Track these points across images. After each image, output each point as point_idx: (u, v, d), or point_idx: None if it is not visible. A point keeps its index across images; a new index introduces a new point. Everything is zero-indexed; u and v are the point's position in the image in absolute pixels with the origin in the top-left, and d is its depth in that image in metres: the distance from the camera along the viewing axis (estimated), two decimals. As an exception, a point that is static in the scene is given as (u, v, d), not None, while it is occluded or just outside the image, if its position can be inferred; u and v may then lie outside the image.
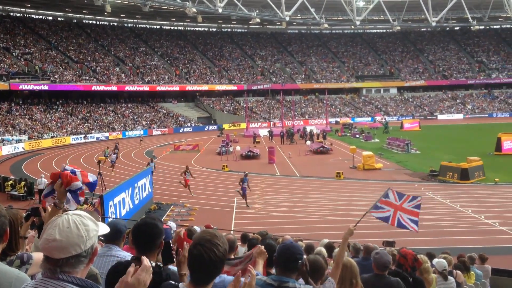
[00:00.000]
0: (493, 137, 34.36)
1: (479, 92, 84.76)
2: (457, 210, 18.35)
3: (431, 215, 17.64)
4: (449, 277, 6.90)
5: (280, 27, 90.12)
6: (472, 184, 23.48)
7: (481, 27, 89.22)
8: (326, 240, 8.74)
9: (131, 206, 16.70)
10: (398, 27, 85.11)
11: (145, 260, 2.09)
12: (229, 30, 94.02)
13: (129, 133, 59.17)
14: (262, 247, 3.73)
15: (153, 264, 2.52)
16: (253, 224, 16.64)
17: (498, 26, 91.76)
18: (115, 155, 30.71)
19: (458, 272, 7.78)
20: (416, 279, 5.42)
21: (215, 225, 14.74)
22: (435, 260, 7.48)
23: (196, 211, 19.20)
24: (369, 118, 73.62)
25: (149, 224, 2.83)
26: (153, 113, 68.68)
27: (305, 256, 3.42)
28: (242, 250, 7.11)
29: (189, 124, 68.28)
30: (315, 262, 3.80)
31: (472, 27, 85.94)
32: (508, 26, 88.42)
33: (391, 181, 24.71)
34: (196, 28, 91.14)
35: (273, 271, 3.48)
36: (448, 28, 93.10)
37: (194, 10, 64.62)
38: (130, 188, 16.78)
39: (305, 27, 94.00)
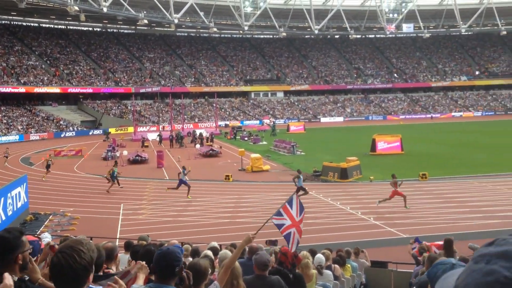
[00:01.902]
0: (369, 138, 37.11)
1: (356, 96, 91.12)
2: (337, 208, 19.48)
3: (314, 213, 18.53)
4: (327, 270, 7.29)
5: (169, 29, 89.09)
6: (351, 182, 25.12)
7: (358, 36, 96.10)
8: (214, 243, 8.77)
9: (3, 218, 15.34)
10: (284, 34, 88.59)
11: (7, 278, 1.92)
12: (115, 30, 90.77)
13: (3, 139, 54.32)
14: (143, 263, 3.63)
15: (16, 278, 2.35)
16: (140, 231, 16.16)
17: (373, 36, 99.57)
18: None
19: (336, 266, 8.25)
20: (296, 275, 5.64)
21: (98, 233, 14.10)
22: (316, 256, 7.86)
23: (78, 220, 18.20)
24: (258, 121, 75.56)
25: (2, 237, 2.61)
26: (30, 117, 63.90)
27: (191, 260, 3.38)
28: (125, 258, 6.87)
29: (71, 129, 64.60)
30: (195, 266, 3.78)
31: (350, 36, 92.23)
32: (382, 36, 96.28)
33: (278, 182, 25.58)
34: (79, 28, 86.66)
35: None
36: (329, 36, 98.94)
37: (77, 8, 61.42)
38: (2, 199, 15.41)
39: (194, 30, 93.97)
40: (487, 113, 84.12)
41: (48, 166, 27.67)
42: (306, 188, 21.54)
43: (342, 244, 13.35)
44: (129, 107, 73.24)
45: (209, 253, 6.85)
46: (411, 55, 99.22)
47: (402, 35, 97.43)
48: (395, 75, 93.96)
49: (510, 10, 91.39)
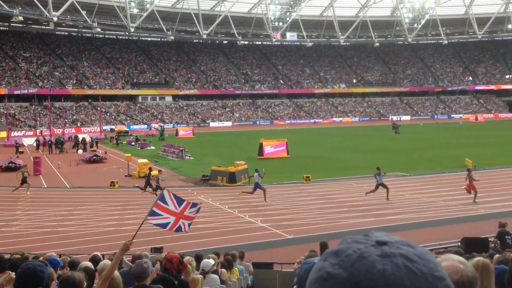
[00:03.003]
0: (256, 143, 38.03)
1: (245, 101, 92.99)
2: (226, 212, 19.64)
3: (203, 217, 18.47)
4: (213, 275, 7.28)
5: (47, 27, 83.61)
6: (239, 186, 25.50)
7: (246, 43, 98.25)
8: (96, 254, 8.33)
9: None
10: (172, 37, 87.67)
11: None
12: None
13: None
14: (12, 274, 3.34)
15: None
16: (15, 243, 14.88)
17: (260, 43, 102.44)
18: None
19: (223, 270, 8.28)
20: (182, 281, 5.54)
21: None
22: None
23: None
24: (145, 126, 73.76)
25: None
26: None
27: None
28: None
29: None
30: (68, 279, 3.55)
31: (238, 42, 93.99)
32: (268, 43, 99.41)
33: (166, 188, 25.10)
34: None
35: None
36: (217, 41, 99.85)
37: None
38: None
39: (76, 29, 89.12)
40: (363, 119, 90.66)
41: (24, 179, 23.74)
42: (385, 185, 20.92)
43: (230, 247, 13.47)
44: (1, 110, 67.29)
45: (89, 264, 6.48)
46: (295, 63, 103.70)
47: (287, 43, 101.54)
48: (281, 81, 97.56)
49: (382, 23, 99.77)
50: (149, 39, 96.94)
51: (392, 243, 0.87)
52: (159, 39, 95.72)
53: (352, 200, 21.37)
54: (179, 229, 6.78)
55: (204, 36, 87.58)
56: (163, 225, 6.72)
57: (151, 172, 24.16)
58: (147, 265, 4.71)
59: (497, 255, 8.53)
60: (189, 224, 6.85)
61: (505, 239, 12.75)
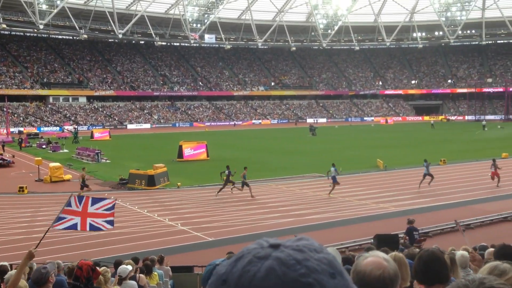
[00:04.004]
0: (176, 145, 37.50)
1: (163, 103, 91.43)
2: (145, 216, 19.14)
3: (121, 222, 17.88)
4: (131, 281, 7.05)
5: None
6: (158, 189, 24.99)
7: (164, 43, 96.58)
8: (3, 263, 7.76)
9: None
10: (85, 36, 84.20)
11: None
12: None
13: None
14: None
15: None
16: None
17: (178, 44, 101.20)
18: None
19: (141, 275, 8.05)
20: (92, 289, 5.32)
21: None
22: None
23: None
24: (58, 128, 70.11)
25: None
26: None
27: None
28: None
29: None
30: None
31: (155, 43, 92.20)
32: (186, 44, 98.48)
33: (73, 193, 23.99)
34: None
35: None
36: (134, 41, 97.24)
37: None
38: None
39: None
40: (281, 121, 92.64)
41: (83, 182, 22.98)
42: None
43: (150, 252, 13.16)
44: None
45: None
46: (214, 65, 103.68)
47: (205, 45, 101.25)
48: (200, 83, 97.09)
49: (298, 28, 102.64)
50: (60, 37, 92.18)
51: (285, 247, 0.89)
52: (71, 38, 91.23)
53: (272, 201, 21.71)
54: (94, 228, 6.53)
55: (120, 36, 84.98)
56: (72, 227, 6.46)
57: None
58: (46, 271, 4.66)
59: (405, 250, 9.04)
60: (109, 222, 6.60)
61: (413, 235, 13.57)
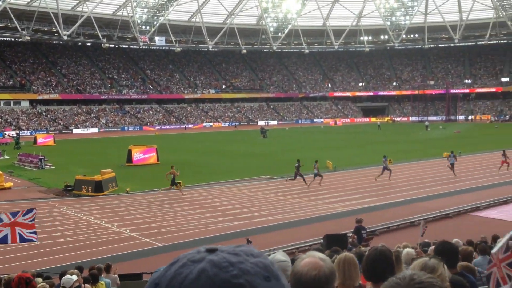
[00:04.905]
0: (125, 150, 36.67)
1: (112, 107, 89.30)
2: (92, 223, 18.57)
3: (66, 231, 17.30)
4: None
5: None
6: (106, 195, 24.33)
7: (111, 46, 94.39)
8: None
9: None
10: (28, 37, 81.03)
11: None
12: None
13: None
14: None
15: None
16: None
17: (127, 46, 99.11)
18: None
19: (87, 285, 7.77)
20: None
21: None
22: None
23: None
24: (-2, 133, 67.05)
25: None
26: None
27: None
28: None
29: None
30: None
31: (103, 45, 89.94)
32: (135, 47, 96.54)
33: (23, 200, 23.02)
34: None
35: None
36: (80, 43, 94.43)
37: None
38: None
39: None
40: (233, 124, 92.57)
41: (174, 179, 23.83)
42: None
43: (97, 260, 12.77)
44: None
45: None
46: (164, 67, 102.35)
47: (155, 47, 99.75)
48: (150, 86, 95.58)
49: (248, 31, 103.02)
50: (1, 38, 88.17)
51: (221, 251, 0.91)
52: (12, 39, 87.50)
53: (223, 205, 21.61)
54: (24, 240, 6.32)
55: (65, 38, 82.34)
56: (3, 240, 6.21)
57: None
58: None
59: (353, 249, 9.21)
60: (33, 233, 6.39)
61: (361, 234, 13.86)
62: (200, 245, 0.96)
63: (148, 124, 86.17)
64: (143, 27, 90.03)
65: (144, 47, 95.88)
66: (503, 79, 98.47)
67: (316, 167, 25.58)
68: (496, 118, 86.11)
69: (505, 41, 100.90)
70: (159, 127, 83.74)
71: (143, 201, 22.73)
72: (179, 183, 23.99)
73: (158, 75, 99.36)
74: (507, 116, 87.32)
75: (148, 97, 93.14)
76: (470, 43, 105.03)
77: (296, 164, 25.89)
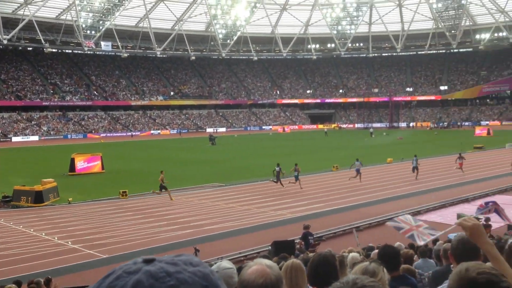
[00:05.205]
0: (68, 158, 35.38)
1: (54, 114, 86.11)
2: (31, 235, 17.76)
3: (4, 244, 16.47)
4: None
5: None
6: (47, 206, 23.34)
7: (54, 50, 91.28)
8: None
9: None
10: (-36, 41, 76.96)
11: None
12: None
13: None
14: None
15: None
16: None
17: (70, 51, 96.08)
18: None
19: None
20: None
21: None
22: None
23: None
24: None
25: None
26: None
27: None
28: None
29: None
30: None
31: (45, 49, 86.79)
32: (80, 52, 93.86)
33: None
34: None
35: None
36: (21, 48, 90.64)
37: None
38: None
39: None
40: (181, 131, 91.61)
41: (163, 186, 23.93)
42: None
43: (36, 274, 12.23)
44: None
45: None
46: (110, 73, 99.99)
47: (101, 52, 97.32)
48: (95, 92, 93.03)
49: (197, 37, 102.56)
50: None
51: (159, 261, 0.90)
52: None
53: (170, 213, 21.26)
54: None
55: (5, 42, 78.75)
56: None
57: None
58: None
59: (300, 255, 9.26)
60: None
61: (308, 240, 14.00)
62: (146, 255, 0.97)
63: (93, 131, 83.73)
64: (88, 31, 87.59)
65: (89, 52, 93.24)
66: (442, 88, 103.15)
67: (297, 169, 26.77)
68: (436, 125, 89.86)
69: (444, 51, 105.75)
70: (104, 135, 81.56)
71: (86, 211, 21.98)
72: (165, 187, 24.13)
73: (103, 81, 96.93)
74: (445, 123, 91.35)
75: (93, 103, 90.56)
76: (411, 53, 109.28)
77: (277, 168, 26.66)
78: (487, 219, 14.15)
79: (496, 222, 13.26)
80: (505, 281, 1.38)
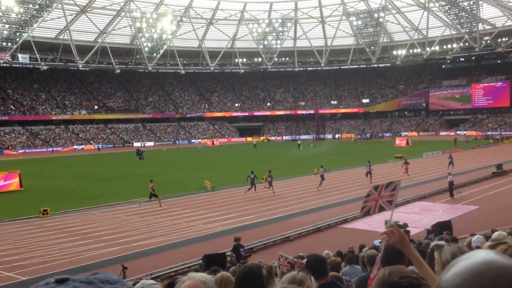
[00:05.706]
0: (-18, 176, 33.10)
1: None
2: None
3: None
4: None
5: None
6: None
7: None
8: None
9: None
10: None
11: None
12: None
13: None
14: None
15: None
16: None
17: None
18: None
19: None
20: None
21: None
22: None
23: None
24: None
25: None
26: None
27: None
28: None
29: None
30: None
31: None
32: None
33: None
34: None
35: None
36: None
37: None
38: None
39: None
40: (106, 146, 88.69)
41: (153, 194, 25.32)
42: None
43: None
44: None
45: None
46: (28, 87, 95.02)
47: (18, 65, 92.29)
48: (12, 106, 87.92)
49: (122, 50, 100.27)
50: None
51: (73, 280, 0.85)
52: None
53: (97, 231, 20.43)
54: None
55: None
56: None
57: None
58: None
59: (231, 268, 9.24)
60: None
61: (239, 252, 14.01)
62: (72, 274, 0.93)
63: (10, 147, 78.95)
64: (4, 43, 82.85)
65: (5, 65, 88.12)
66: (364, 101, 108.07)
67: (271, 176, 28.47)
68: (359, 136, 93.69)
69: (365, 66, 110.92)
70: (22, 151, 77.17)
71: (3, 232, 20.61)
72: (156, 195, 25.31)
73: (21, 95, 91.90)
74: (368, 134, 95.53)
75: (9, 118, 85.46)
76: (335, 67, 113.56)
77: (252, 176, 28.14)
78: (405, 225, 14.96)
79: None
80: (425, 284, 1.48)
